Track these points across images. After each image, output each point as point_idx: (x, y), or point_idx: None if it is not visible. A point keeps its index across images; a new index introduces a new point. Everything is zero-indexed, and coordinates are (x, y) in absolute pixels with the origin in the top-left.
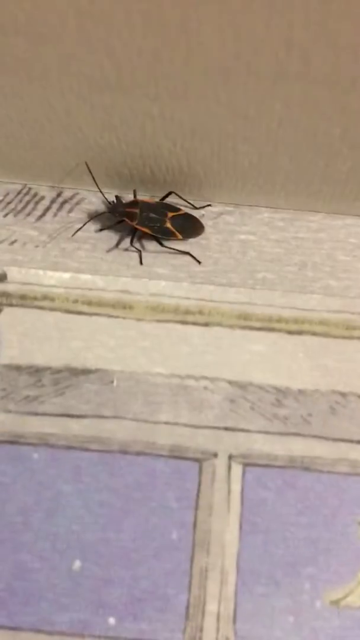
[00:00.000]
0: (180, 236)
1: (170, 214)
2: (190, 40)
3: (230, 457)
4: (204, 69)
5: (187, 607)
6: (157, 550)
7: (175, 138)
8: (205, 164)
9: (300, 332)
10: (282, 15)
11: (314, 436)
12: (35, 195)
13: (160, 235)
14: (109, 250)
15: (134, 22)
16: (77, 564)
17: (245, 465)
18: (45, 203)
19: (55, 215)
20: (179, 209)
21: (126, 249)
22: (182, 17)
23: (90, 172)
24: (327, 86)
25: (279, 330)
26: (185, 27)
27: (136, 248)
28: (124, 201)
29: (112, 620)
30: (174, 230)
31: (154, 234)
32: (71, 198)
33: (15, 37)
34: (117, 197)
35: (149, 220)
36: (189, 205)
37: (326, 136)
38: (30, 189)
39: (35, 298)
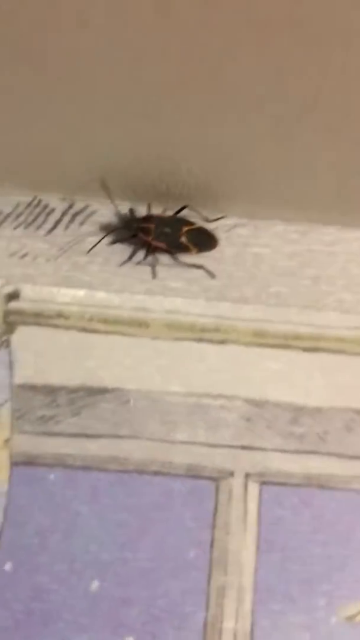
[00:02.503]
0: (195, 250)
1: (185, 228)
2: (221, 67)
3: (246, 476)
4: (234, 97)
5: (205, 625)
6: (175, 570)
7: (196, 160)
8: (223, 181)
9: (316, 350)
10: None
11: (330, 454)
12: (45, 207)
13: (175, 250)
14: (121, 264)
15: (158, 46)
16: (94, 584)
17: (262, 483)
18: (56, 215)
19: (66, 228)
20: (193, 223)
21: (139, 262)
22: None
23: (106, 189)
24: (344, 114)
25: (295, 348)
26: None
27: (149, 262)
28: (137, 214)
29: None
30: (188, 244)
31: (168, 249)
32: (83, 210)
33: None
34: (130, 210)
35: (164, 235)
36: (202, 218)
37: (341, 156)
38: (40, 200)
39: (49, 316)
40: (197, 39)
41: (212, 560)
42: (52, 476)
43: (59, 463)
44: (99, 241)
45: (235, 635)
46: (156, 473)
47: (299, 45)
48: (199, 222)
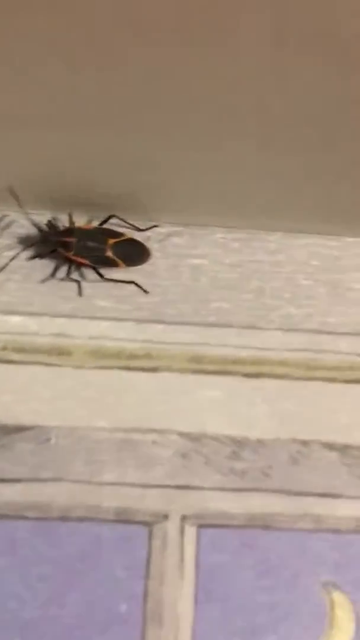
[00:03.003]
0: (123, 265)
1: (111, 241)
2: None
3: (182, 519)
4: (151, 101)
5: None
6: (105, 626)
7: (115, 168)
8: (151, 191)
9: (258, 375)
10: None
11: (274, 491)
12: None
13: (101, 266)
14: (43, 280)
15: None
16: None
17: (200, 526)
18: None
19: None
20: (121, 234)
21: (63, 279)
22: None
23: (15, 197)
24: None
25: (235, 374)
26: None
27: (72, 278)
28: (58, 226)
29: None
30: (115, 258)
31: (93, 265)
32: None
33: None
34: (49, 222)
35: (86, 249)
36: (131, 227)
37: (289, 167)
38: None
39: None
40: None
41: (145, 613)
42: None
43: None
44: (13, 258)
45: None
46: (82, 519)
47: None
48: (127, 233)
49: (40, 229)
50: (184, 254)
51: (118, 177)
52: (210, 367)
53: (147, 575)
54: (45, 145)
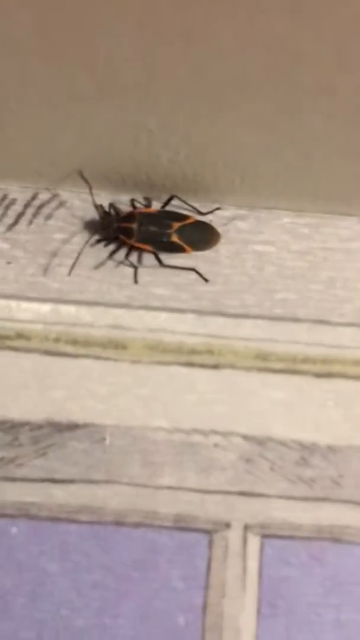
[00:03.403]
0: (190, 250)
1: (176, 225)
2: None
3: (246, 528)
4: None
5: None
6: (161, 638)
7: (178, 149)
8: (215, 173)
9: (329, 375)
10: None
11: (346, 501)
12: (4, 197)
13: (165, 252)
14: (97, 266)
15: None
16: None
17: (264, 537)
18: (17, 208)
19: (30, 223)
20: (187, 217)
21: (119, 264)
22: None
23: (85, 180)
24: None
25: (305, 373)
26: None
27: (131, 263)
28: (120, 210)
29: None
30: (181, 243)
31: (156, 251)
32: (49, 201)
33: None
34: (111, 205)
35: (150, 235)
36: (193, 210)
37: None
38: None
39: (7, 337)
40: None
41: (204, 626)
42: (14, 529)
43: (22, 514)
44: (77, 257)
45: None
46: (137, 525)
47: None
48: (193, 215)
49: (99, 214)
50: (248, 240)
51: (181, 154)
52: (278, 366)
53: (206, 586)
54: (104, 122)
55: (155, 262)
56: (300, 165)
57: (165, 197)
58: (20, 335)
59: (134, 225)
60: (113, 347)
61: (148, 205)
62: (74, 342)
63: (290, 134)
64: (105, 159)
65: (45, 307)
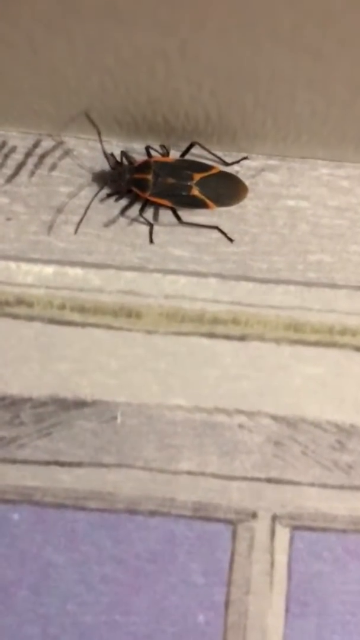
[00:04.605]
0: (214, 206)
1: (197, 176)
2: None
3: (274, 518)
4: None
5: None
6: (179, 637)
7: (201, 82)
8: (244, 113)
9: None
10: None
11: None
12: (3, 145)
13: (185, 207)
14: (107, 224)
15: None
16: None
17: (294, 528)
18: (17, 157)
19: (32, 174)
20: (210, 167)
21: (132, 221)
22: None
23: (93, 124)
24: None
25: (343, 346)
26: None
27: (146, 220)
28: (134, 159)
29: None
30: (204, 198)
31: (175, 206)
32: (53, 149)
33: None
34: (123, 154)
35: (167, 188)
36: (217, 160)
37: None
38: None
39: (6, 303)
40: None
41: (227, 626)
42: (15, 516)
43: (25, 499)
44: (85, 213)
45: None
46: (153, 513)
47: None
48: (217, 165)
49: (110, 164)
50: (279, 194)
51: (204, 89)
52: (312, 337)
53: (229, 582)
54: (113, 46)
55: (173, 219)
56: (347, 101)
57: (184, 145)
58: (20, 301)
59: (150, 177)
60: (125, 316)
61: (165, 154)
62: (81, 309)
63: (338, 60)
64: (116, 96)
65: (49, 270)
